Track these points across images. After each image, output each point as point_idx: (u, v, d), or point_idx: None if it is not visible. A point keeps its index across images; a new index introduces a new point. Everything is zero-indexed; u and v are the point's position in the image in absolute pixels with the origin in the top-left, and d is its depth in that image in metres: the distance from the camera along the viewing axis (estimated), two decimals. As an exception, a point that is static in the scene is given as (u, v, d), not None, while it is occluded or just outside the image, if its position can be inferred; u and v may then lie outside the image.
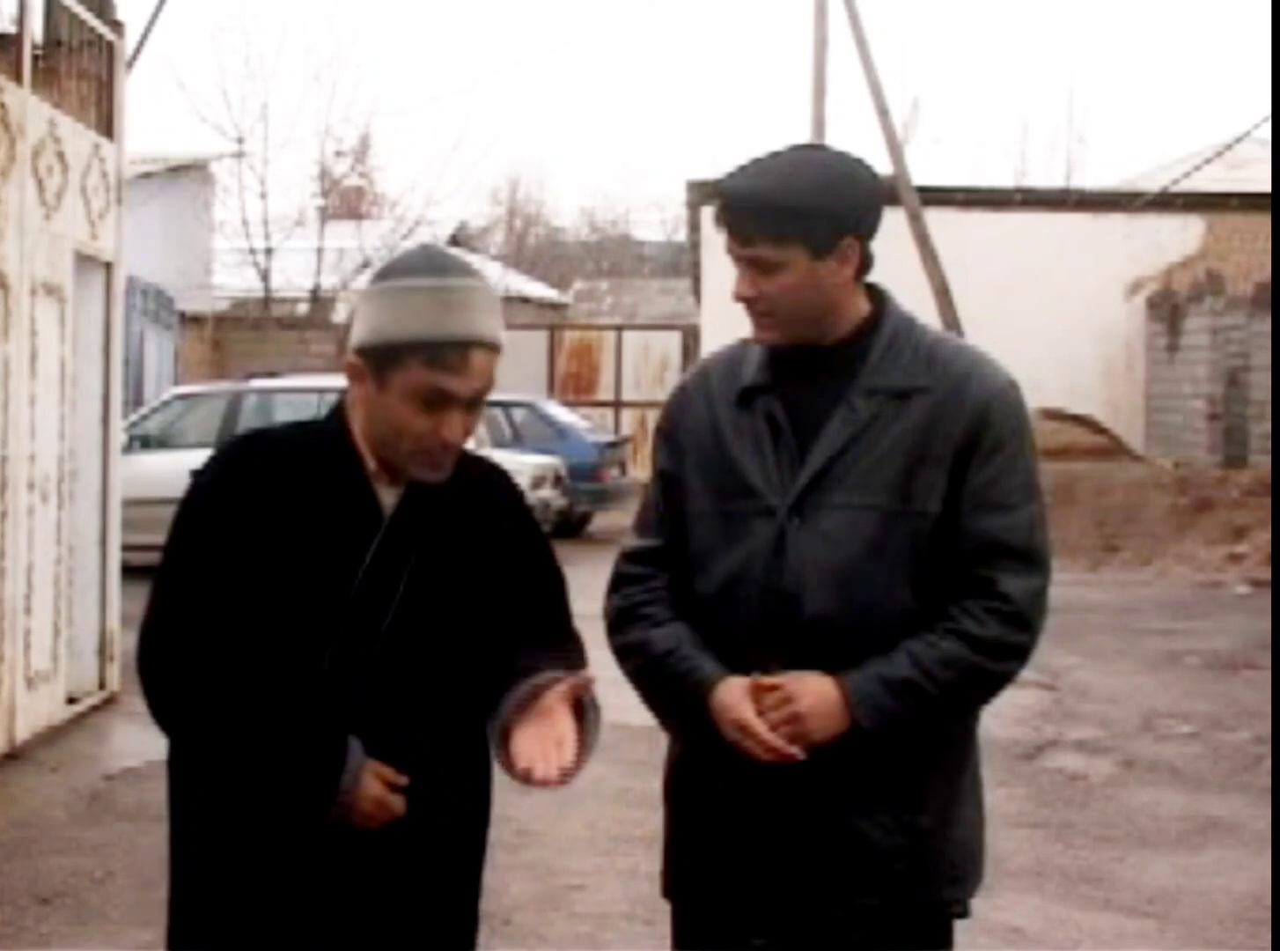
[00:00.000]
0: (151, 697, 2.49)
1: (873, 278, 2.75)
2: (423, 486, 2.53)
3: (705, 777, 2.70)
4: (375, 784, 2.44)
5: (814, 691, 2.56)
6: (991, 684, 2.66)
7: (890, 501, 2.60)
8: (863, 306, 2.71)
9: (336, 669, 2.46)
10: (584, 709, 2.53)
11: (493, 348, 2.48)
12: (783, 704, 2.56)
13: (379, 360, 2.45)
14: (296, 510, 2.48)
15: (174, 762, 2.57)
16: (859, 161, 2.71)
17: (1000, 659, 2.62)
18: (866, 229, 2.67)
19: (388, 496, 2.53)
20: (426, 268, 2.46)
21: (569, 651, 2.63)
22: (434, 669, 2.52)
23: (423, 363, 2.43)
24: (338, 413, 2.58)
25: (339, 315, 28.61)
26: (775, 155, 2.69)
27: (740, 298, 2.68)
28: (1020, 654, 2.64)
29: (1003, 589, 2.59)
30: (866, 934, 2.63)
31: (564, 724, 2.48)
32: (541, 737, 2.46)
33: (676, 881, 2.80)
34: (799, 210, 2.60)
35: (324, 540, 2.48)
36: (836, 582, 2.59)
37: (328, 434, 2.56)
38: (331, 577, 2.47)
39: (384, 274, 2.50)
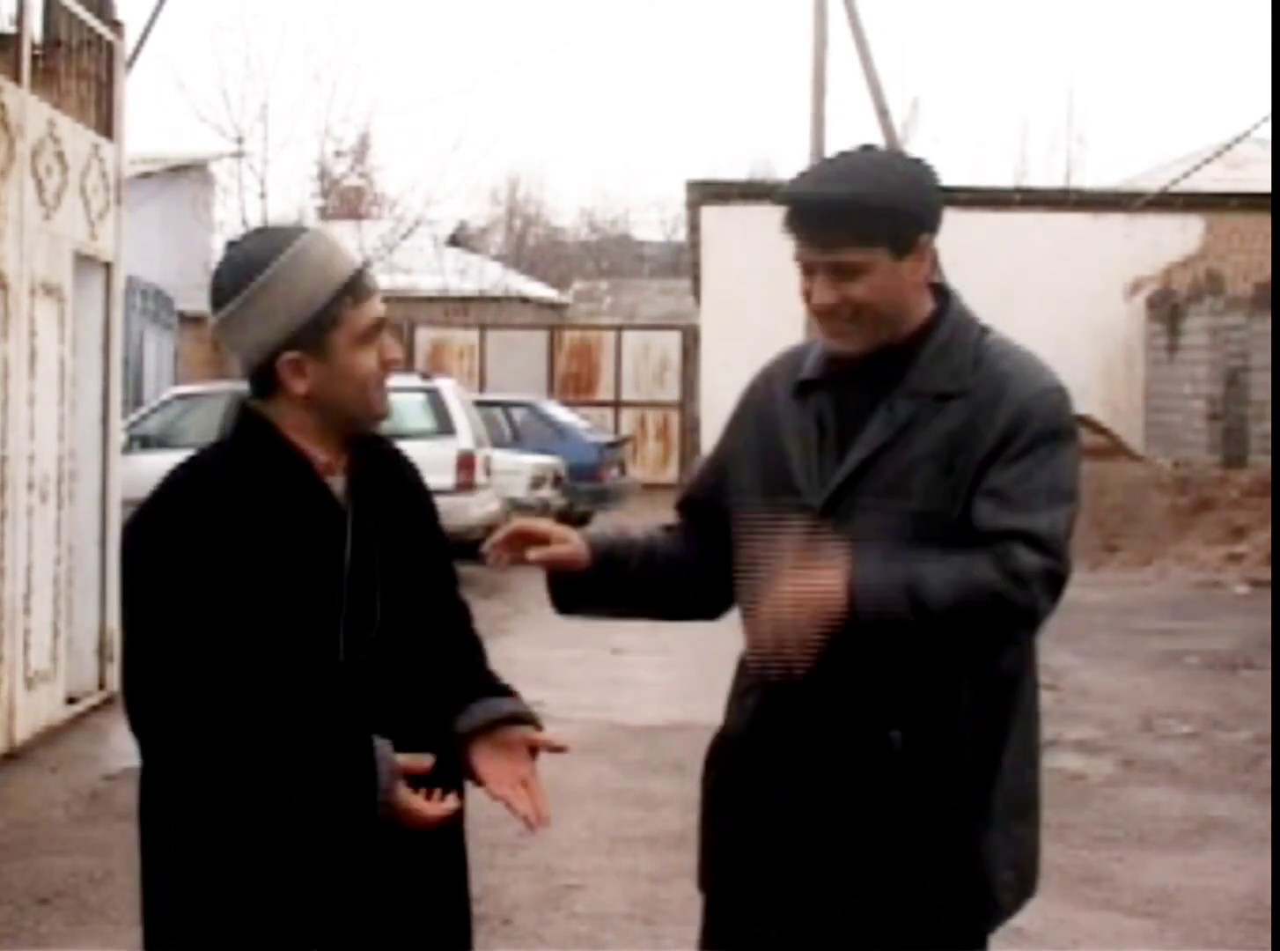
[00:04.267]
0: (160, 742, 2.42)
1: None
2: (360, 473, 2.57)
3: (736, 773, 2.72)
4: (404, 792, 2.44)
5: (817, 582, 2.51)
6: (980, 629, 2.54)
7: (921, 504, 2.57)
8: (928, 305, 2.70)
9: (349, 661, 2.46)
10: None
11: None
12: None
13: (314, 334, 2.47)
14: (265, 525, 2.45)
15: (158, 790, 2.49)
16: (921, 159, 2.73)
17: (996, 612, 2.52)
18: (938, 225, 2.67)
19: (336, 486, 2.54)
20: (275, 242, 2.49)
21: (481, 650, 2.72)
22: (419, 646, 2.56)
23: (352, 305, 2.48)
24: (258, 424, 2.52)
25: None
26: (839, 158, 2.67)
27: (822, 307, 2.62)
28: (1018, 616, 2.54)
29: (1015, 561, 2.51)
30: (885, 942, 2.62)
31: (526, 767, 2.57)
32: (508, 773, 2.55)
33: (708, 874, 2.80)
34: (886, 211, 2.58)
35: (302, 547, 2.47)
36: None
37: (262, 444, 2.52)
38: (322, 580, 2.47)
39: (237, 284, 2.47)
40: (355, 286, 2.49)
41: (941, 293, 2.73)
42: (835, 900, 2.63)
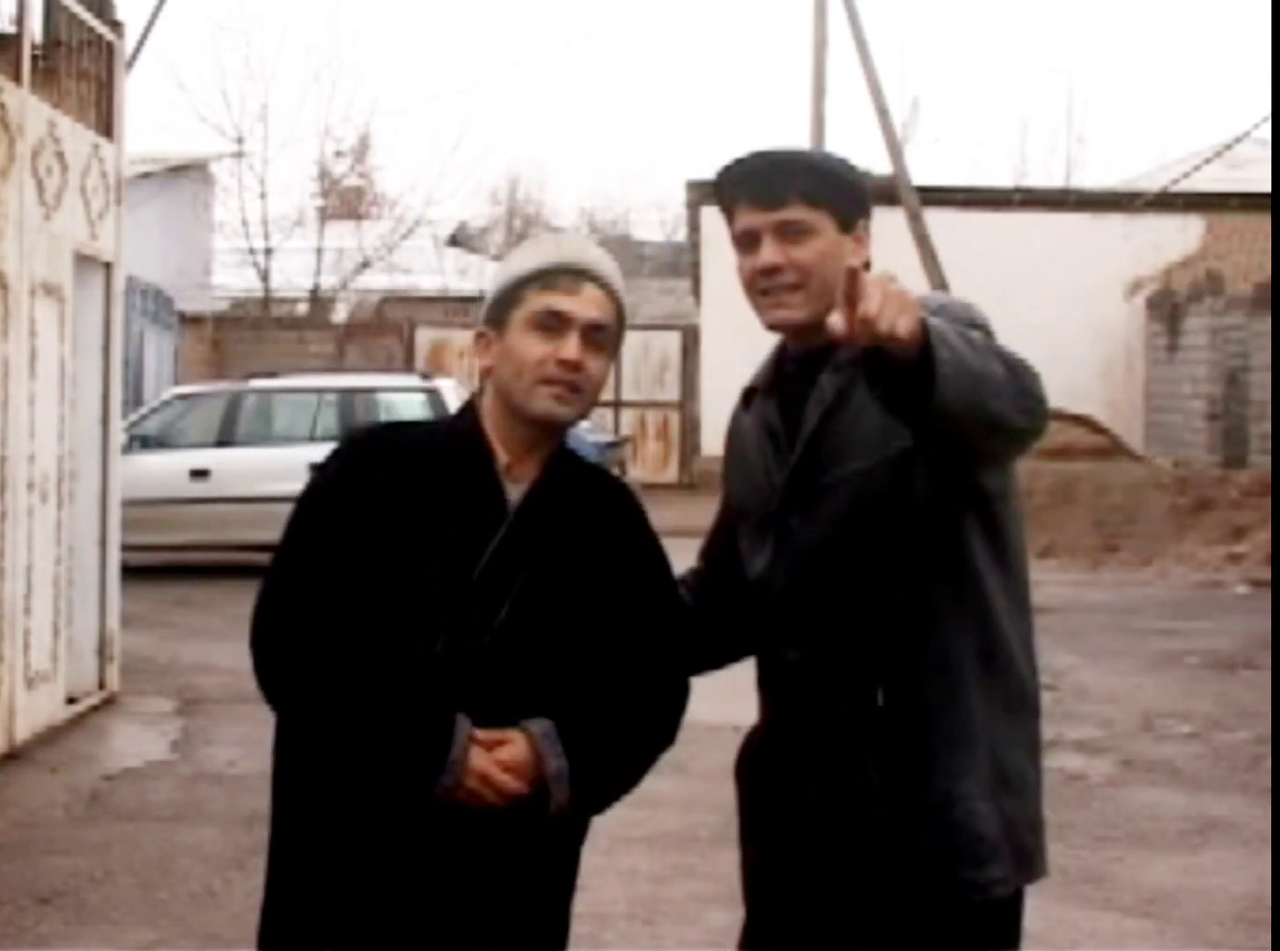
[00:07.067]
0: (264, 672, 2.52)
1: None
2: (547, 489, 2.58)
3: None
4: (481, 756, 2.45)
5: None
6: (1010, 379, 2.32)
7: (872, 459, 2.53)
8: None
9: (449, 654, 2.48)
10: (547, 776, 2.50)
11: (609, 288, 2.58)
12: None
13: (500, 310, 2.58)
14: (421, 498, 2.53)
15: (280, 741, 2.59)
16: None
17: (1013, 368, 2.34)
18: (870, 216, 2.66)
19: (514, 493, 2.57)
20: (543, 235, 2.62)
21: (633, 700, 2.59)
22: (542, 664, 2.53)
23: (538, 290, 2.55)
24: (469, 410, 2.65)
25: (339, 315, 28.61)
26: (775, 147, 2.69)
27: (768, 267, 2.58)
28: (1030, 377, 2.35)
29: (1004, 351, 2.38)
30: (890, 920, 2.59)
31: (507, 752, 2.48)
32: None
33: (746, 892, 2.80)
34: (833, 176, 2.60)
35: (447, 528, 2.52)
36: (836, 562, 2.57)
37: (459, 428, 2.63)
38: (451, 565, 2.50)
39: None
40: (547, 275, 2.55)
41: None
42: (846, 887, 2.60)
